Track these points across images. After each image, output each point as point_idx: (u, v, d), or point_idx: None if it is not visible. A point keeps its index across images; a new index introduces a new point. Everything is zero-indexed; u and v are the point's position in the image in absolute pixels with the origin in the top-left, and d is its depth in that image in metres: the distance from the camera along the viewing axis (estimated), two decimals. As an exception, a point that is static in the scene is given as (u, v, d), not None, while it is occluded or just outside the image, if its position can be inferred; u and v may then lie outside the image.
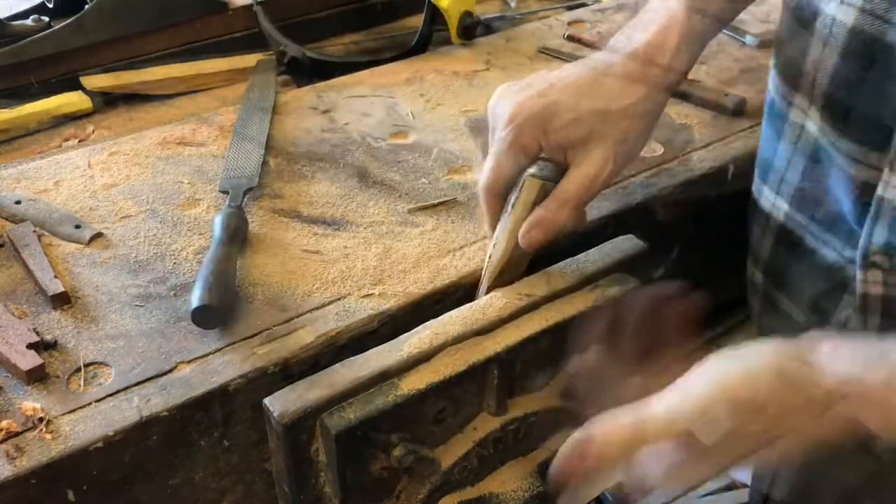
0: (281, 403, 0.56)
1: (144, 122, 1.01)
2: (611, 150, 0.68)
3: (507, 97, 0.70)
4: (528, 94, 0.69)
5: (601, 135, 0.68)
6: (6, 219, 0.76)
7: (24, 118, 0.97)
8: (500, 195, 0.69)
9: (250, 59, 1.13)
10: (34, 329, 0.63)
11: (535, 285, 0.66)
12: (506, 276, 0.68)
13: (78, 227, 0.75)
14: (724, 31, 1.14)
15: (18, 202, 0.78)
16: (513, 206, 0.67)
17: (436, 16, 1.11)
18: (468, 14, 1.11)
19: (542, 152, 0.69)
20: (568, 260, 0.69)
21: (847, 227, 0.69)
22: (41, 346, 0.62)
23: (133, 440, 0.57)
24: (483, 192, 0.70)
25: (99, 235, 0.74)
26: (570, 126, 0.67)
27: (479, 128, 0.84)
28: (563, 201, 0.67)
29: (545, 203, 0.67)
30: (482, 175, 0.69)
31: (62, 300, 0.66)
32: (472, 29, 1.12)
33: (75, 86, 1.04)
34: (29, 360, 0.60)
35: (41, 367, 0.60)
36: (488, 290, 0.67)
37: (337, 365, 0.58)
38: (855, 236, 0.67)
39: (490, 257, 0.68)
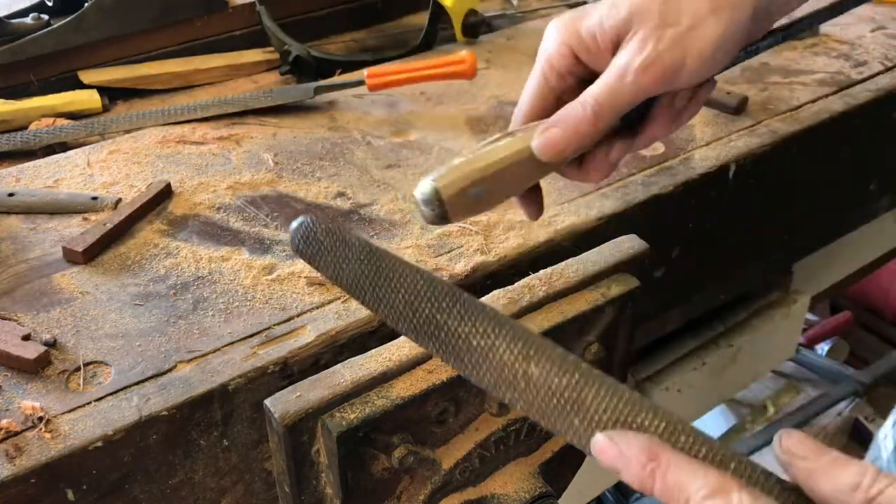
0: (282, 404, 0.55)
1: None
2: (651, 33, 0.52)
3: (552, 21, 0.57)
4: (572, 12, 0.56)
5: (640, 15, 0.52)
6: (1, 212, 0.77)
7: (27, 111, 0.97)
8: (529, 118, 0.58)
9: (248, 55, 1.13)
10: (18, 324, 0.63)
11: (535, 285, 0.66)
12: (463, 188, 0.54)
13: (95, 198, 0.77)
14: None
15: (11, 195, 0.78)
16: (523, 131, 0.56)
17: (440, 14, 1.11)
18: (472, 12, 1.11)
19: (578, 62, 0.56)
20: (569, 260, 0.69)
21: None
22: (38, 340, 0.62)
23: (132, 439, 0.57)
24: (513, 124, 0.59)
25: (120, 201, 0.77)
26: (605, 14, 0.53)
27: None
28: (584, 100, 0.53)
29: (564, 107, 0.54)
30: (517, 108, 0.59)
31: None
32: (476, 27, 1.11)
33: (74, 84, 1.04)
34: (32, 350, 0.60)
35: (46, 354, 0.60)
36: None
37: (338, 365, 0.58)
38: None
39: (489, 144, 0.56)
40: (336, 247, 0.51)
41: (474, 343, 0.46)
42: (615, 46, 0.54)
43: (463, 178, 0.54)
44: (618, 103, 0.53)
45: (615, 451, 0.43)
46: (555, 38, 0.56)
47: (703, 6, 0.52)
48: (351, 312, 0.66)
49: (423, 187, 0.54)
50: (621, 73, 0.52)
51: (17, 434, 0.55)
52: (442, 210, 0.54)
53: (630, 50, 0.52)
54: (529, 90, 0.58)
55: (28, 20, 1.05)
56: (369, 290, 0.50)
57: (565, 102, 0.55)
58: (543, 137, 0.54)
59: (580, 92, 0.55)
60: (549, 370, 0.45)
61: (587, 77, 0.56)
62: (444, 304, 0.48)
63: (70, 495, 0.56)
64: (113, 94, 1.05)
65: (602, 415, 0.44)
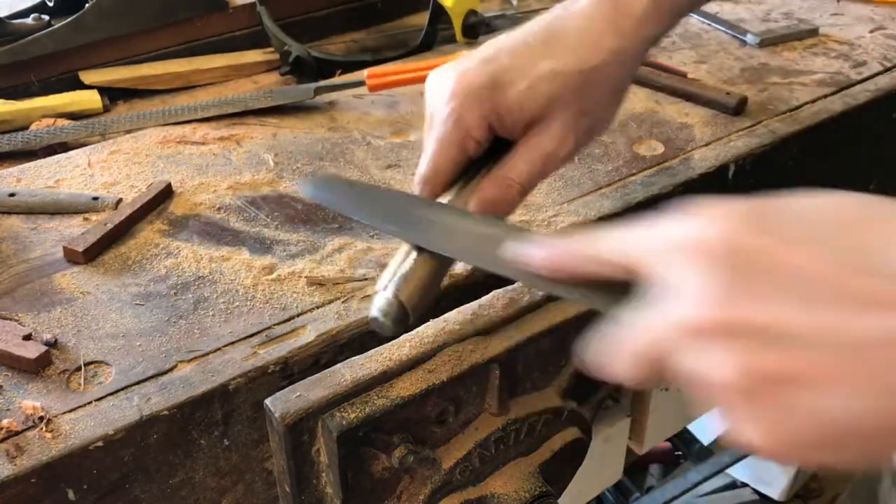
0: (282, 404, 0.55)
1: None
2: (571, 123, 0.56)
3: (445, 71, 0.57)
4: (469, 63, 0.57)
5: (560, 104, 0.55)
6: (2, 212, 0.77)
7: (28, 111, 0.97)
8: (440, 191, 0.58)
9: (248, 56, 1.13)
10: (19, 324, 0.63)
11: (536, 285, 0.66)
12: (427, 291, 0.55)
13: (95, 198, 0.77)
14: (725, 30, 1.15)
15: (12, 195, 0.78)
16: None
17: (440, 14, 1.11)
18: (473, 12, 1.11)
19: (493, 133, 0.57)
20: (569, 259, 0.69)
21: None
22: (39, 340, 0.62)
23: (133, 439, 0.57)
24: (419, 185, 0.58)
25: (120, 201, 0.77)
26: (524, 96, 0.55)
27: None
28: (511, 182, 0.56)
29: (487, 185, 0.56)
30: (419, 167, 0.58)
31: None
32: (476, 27, 1.11)
33: (75, 85, 1.04)
34: (33, 350, 0.60)
35: (47, 354, 0.60)
36: (396, 297, 0.54)
37: (338, 365, 0.58)
38: None
39: (406, 259, 0.55)
40: (342, 186, 0.64)
41: (427, 219, 0.55)
42: (529, 124, 0.57)
43: (421, 285, 0.55)
44: (540, 180, 0.58)
45: (529, 244, 0.46)
46: (471, 109, 0.56)
47: (606, 92, 0.58)
48: (351, 312, 0.66)
49: (383, 304, 0.54)
50: (546, 159, 0.57)
51: (17, 434, 0.55)
52: (406, 321, 0.55)
53: (553, 138, 0.56)
54: (445, 157, 0.57)
55: (29, 20, 1.05)
56: (367, 208, 0.59)
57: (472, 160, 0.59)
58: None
59: (485, 149, 0.58)
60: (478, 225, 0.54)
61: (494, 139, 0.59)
62: (410, 201, 0.58)
63: (70, 495, 0.56)
64: (113, 95, 1.05)
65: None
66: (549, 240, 0.47)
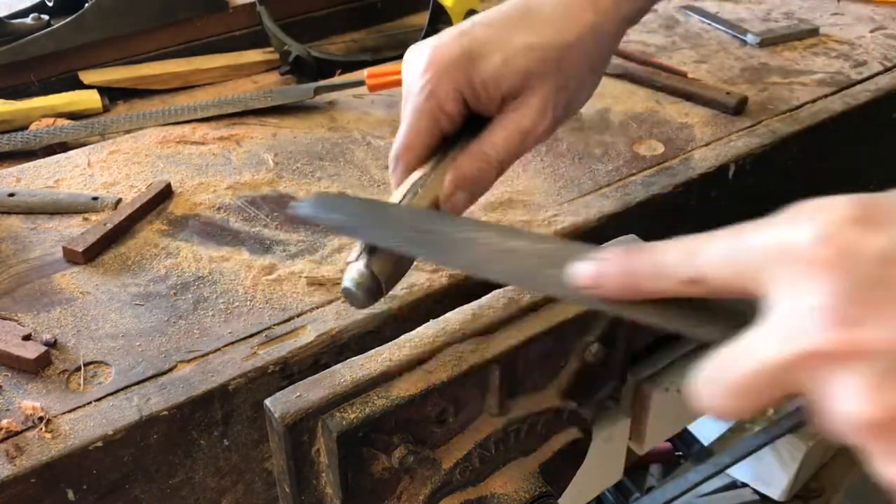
0: (282, 404, 0.55)
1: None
2: (549, 98, 0.55)
3: (421, 46, 0.56)
4: (444, 37, 0.55)
5: (538, 78, 0.54)
6: (1, 212, 0.77)
7: (27, 111, 0.97)
8: (414, 165, 0.57)
9: (248, 56, 1.13)
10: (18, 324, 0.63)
11: (536, 285, 0.66)
12: (399, 261, 0.55)
13: (95, 198, 0.77)
14: (725, 29, 1.15)
15: (12, 195, 0.78)
16: (422, 186, 0.56)
17: (440, 14, 1.11)
18: (472, 12, 1.11)
19: (467, 107, 0.56)
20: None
21: None
22: (38, 340, 0.62)
23: (133, 439, 0.57)
24: (393, 161, 0.57)
25: (120, 201, 0.77)
26: (500, 70, 0.54)
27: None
28: (488, 157, 0.55)
29: (463, 160, 0.55)
30: (395, 141, 0.57)
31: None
32: (475, 27, 1.11)
33: (74, 84, 1.04)
34: (33, 350, 0.60)
35: (46, 354, 0.60)
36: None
37: (338, 365, 0.58)
38: None
39: None
40: (345, 204, 0.59)
41: (460, 237, 0.51)
42: (505, 99, 0.55)
43: (392, 255, 0.54)
44: (517, 157, 0.57)
45: (592, 265, 0.42)
46: (444, 81, 0.54)
47: (583, 68, 0.56)
48: (351, 312, 0.66)
49: (355, 274, 0.53)
50: (524, 135, 0.55)
51: (17, 434, 0.55)
52: (378, 293, 0.54)
53: (531, 114, 0.55)
54: (418, 130, 0.56)
55: (28, 20, 1.05)
56: (370, 225, 0.55)
57: (447, 136, 0.57)
58: (455, 198, 0.56)
59: (459, 125, 0.56)
60: (526, 241, 0.49)
61: (469, 115, 0.57)
62: (430, 217, 0.55)
63: (70, 495, 0.56)
64: (113, 95, 1.05)
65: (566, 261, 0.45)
66: (620, 254, 0.41)
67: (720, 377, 0.35)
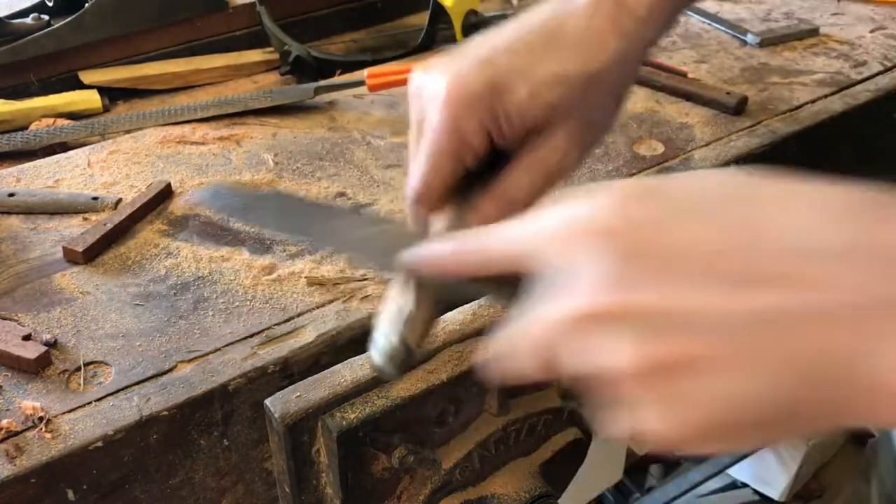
0: (282, 404, 0.55)
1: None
2: (576, 135, 0.52)
3: (437, 70, 0.52)
4: (465, 63, 0.51)
5: (564, 112, 0.51)
6: (1, 212, 0.77)
7: (27, 111, 0.97)
8: (435, 208, 0.53)
9: (248, 56, 1.13)
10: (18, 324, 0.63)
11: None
12: (427, 329, 0.50)
13: (95, 198, 0.77)
14: (725, 29, 1.15)
15: (12, 195, 0.78)
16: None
17: (440, 14, 1.11)
18: (473, 12, 1.11)
19: (493, 143, 0.52)
20: (569, 259, 0.69)
21: None
22: (38, 340, 0.62)
23: (133, 439, 0.57)
24: (413, 205, 0.52)
25: (120, 201, 0.77)
26: (526, 104, 0.50)
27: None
28: (515, 202, 0.52)
29: (488, 202, 0.52)
30: (410, 181, 0.52)
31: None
32: (476, 28, 1.11)
33: (74, 84, 1.04)
34: (33, 350, 0.60)
35: (47, 354, 0.60)
36: (404, 344, 0.49)
37: (338, 365, 0.58)
38: None
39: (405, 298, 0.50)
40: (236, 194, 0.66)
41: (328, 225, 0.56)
42: (529, 133, 0.52)
43: (423, 324, 0.50)
44: (543, 197, 0.53)
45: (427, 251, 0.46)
46: (469, 117, 0.50)
47: (608, 98, 0.54)
48: (351, 312, 0.66)
49: (387, 347, 0.49)
50: (551, 174, 0.52)
51: (17, 434, 0.55)
52: (411, 362, 0.51)
53: (557, 150, 0.52)
54: (440, 169, 0.51)
55: (28, 20, 1.05)
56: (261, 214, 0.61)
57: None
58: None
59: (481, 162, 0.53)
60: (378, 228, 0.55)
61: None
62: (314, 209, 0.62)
63: (70, 495, 0.56)
64: (113, 95, 1.05)
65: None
66: (441, 240, 0.46)
67: (511, 339, 0.39)
